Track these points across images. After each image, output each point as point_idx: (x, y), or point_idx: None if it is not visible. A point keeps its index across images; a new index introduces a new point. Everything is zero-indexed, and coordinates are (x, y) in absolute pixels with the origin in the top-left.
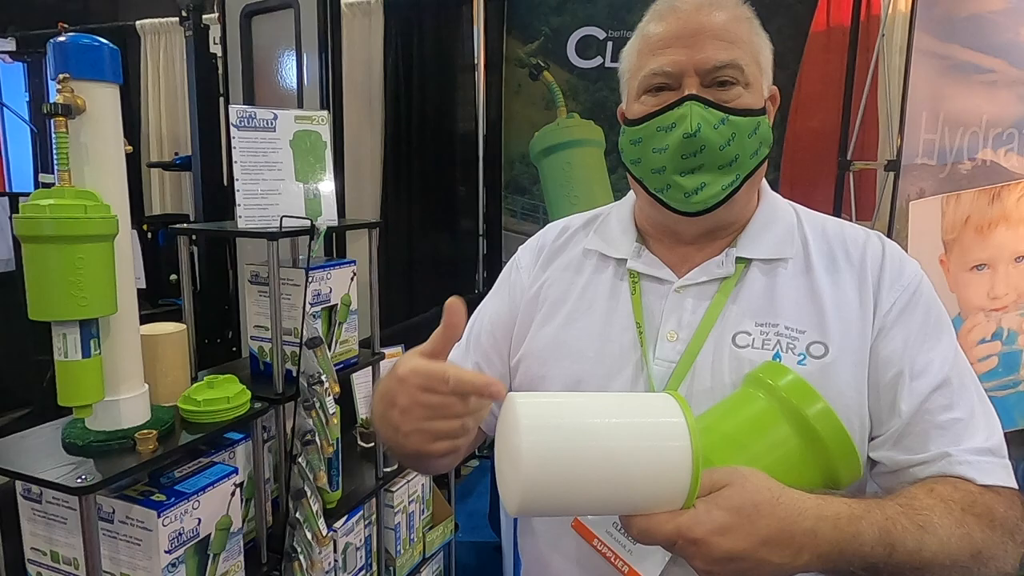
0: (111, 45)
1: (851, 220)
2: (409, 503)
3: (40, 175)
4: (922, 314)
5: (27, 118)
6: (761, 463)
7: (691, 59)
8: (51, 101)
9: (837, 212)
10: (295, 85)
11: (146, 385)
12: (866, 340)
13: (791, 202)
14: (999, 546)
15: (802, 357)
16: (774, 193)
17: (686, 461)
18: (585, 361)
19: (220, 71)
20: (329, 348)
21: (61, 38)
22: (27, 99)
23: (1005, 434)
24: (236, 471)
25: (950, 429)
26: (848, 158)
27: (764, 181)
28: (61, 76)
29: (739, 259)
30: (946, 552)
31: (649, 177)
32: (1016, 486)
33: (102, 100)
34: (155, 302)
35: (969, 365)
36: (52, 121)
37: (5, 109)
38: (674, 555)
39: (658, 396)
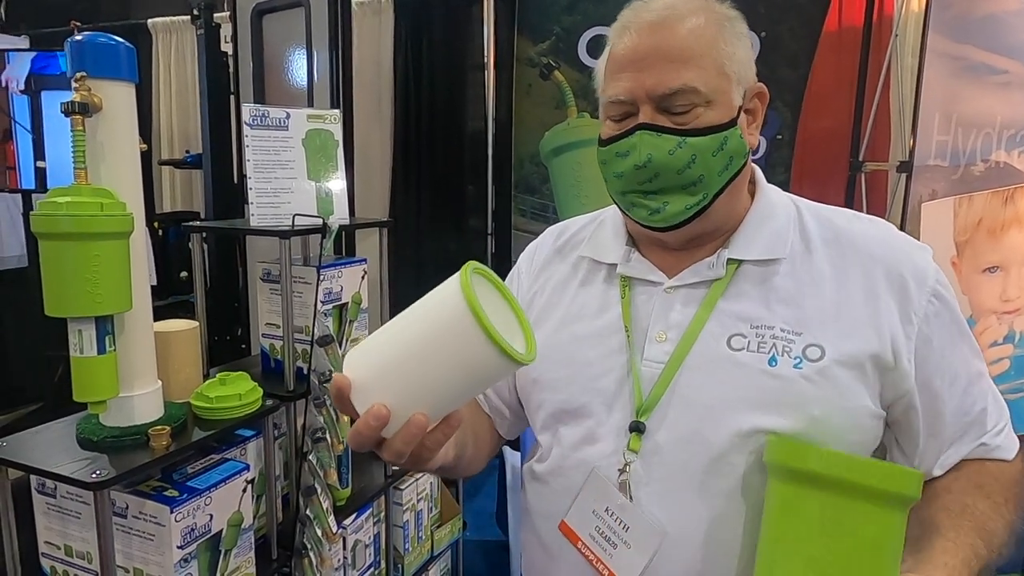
0: (127, 44)
1: None
2: (418, 501)
3: (36, 162)
4: (952, 315)
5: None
6: (865, 549)
7: (642, 85)
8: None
9: None
10: (305, 83)
11: (159, 382)
12: (879, 342)
13: (793, 196)
14: (1020, 519)
15: (798, 360)
16: (772, 188)
17: (465, 311)
18: (574, 364)
19: (231, 69)
20: (340, 346)
21: (78, 37)
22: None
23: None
24: (247, 468)
25: (979, 419)
26: (860, 159)
27: (761, 176)
28: (78, 74)
29: (730, 260)
30: (998, 548)
31: (617, 196)
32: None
33: (118, 99)
34: (164, 298)
35: (975, 341)
36: (69, 119)
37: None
38: (653, 560)
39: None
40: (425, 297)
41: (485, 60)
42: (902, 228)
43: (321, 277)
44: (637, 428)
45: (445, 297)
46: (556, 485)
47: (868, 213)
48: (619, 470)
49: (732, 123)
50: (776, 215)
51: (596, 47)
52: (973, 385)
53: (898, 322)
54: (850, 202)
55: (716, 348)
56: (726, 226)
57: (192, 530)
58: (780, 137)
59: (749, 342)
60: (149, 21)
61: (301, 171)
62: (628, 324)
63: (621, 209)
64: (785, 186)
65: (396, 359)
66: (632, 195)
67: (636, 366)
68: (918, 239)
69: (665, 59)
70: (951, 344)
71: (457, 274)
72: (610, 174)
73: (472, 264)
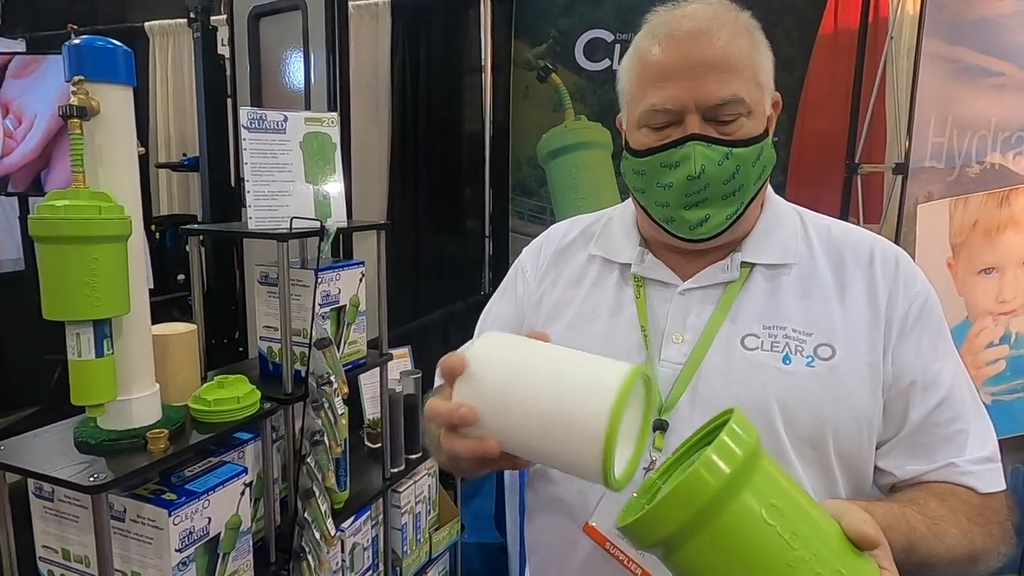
0: (125, 47)
1: (858, 223)
2: (416, 504)
3: None
4: (935, 325)
5: None
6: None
7: (692, 95)
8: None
9: (844, 215)
10: (302, 86)
11: (157, 385)
12: (876, 344)
13: (793, 205)
14: (992, 550)
15: (810, 359)
16: (776, 196)
17: (601, 419)
18: None
19: (228, 72)
20: (338, 349)
21: (76, 40)
22: None
23: (1012, 439)
24: (246, 471)
25: (954, 440)
26: (856, 161)
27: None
28: (76, 78)
29: (743, 263)
30: (951, 556)
31: (653, 208)
32: (1004, 486)
33: (116, 102)
34: (158, 296)
35: (965, 369)
36: (67, 123)
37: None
38: None
39: (619, 363)
40: (584, 364)
41: (482, 63)
42: (898, 230)
43: (319, 280)
44: (661, 426)
45: (598, 389)
46: (572, 486)
47: (864, 215)
48: (644, 468)
49: (766, 133)
50: (783, 222)
51: (593, 50)
52: (953, 401)
53: (886, 320)
54: (846, 204)
55: (732, 348)
56: (741, 234)
57: (190, 533)
58: (776, 139)
59: (763, 342)
60: (146, 24)
61: (299, 174)
62: (645, 324)
63: (657, 222)
64: (782, 188)
65: (520, 414)
66: (674, 208)
67: (654, 365)
68: (914, 241)
69: (714, 69)
70: (932, 351)
71: (623, 371)
72: (653, 185)
73: (641, 370)
